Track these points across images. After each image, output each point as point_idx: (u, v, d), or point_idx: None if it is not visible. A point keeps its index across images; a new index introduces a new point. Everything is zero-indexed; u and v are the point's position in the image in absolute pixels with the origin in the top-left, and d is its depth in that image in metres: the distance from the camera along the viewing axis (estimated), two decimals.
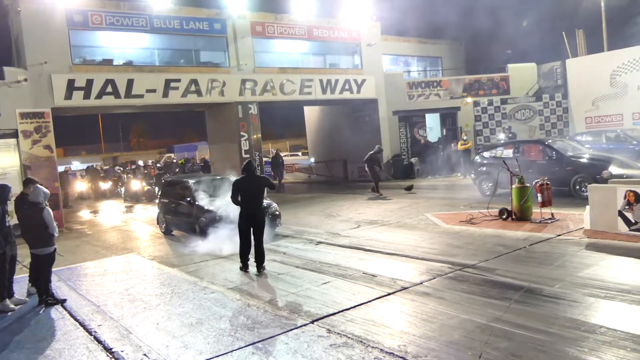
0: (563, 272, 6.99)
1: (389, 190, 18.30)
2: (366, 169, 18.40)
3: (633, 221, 8.43)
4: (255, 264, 8.45)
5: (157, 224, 13.80)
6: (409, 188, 17.86)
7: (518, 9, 24.56)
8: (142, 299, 7.37)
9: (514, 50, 26.12)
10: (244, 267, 8.55)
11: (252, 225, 8.47)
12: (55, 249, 7.60)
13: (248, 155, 20.55)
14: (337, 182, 25.31)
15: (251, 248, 8.52)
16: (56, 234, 7.56)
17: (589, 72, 21.68)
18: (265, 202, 10.28)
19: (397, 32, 26.73)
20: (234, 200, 8.59)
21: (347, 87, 23.05)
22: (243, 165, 8.81)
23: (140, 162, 32.76)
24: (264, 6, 22.03)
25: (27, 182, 7.74)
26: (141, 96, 18.43)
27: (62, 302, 7.47)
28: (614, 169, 12.24)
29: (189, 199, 11.77)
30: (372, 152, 18.29)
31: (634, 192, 8.43)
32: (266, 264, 8.58)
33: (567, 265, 7.34)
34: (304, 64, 23.03)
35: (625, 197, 8.52)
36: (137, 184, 23.85)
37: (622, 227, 8.56)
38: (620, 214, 8.57)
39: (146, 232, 14.42)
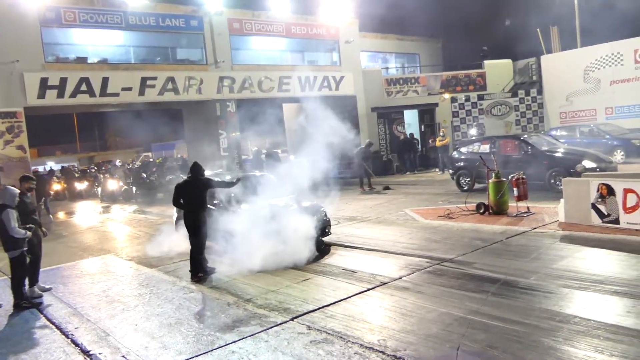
0: (538, 264, 7.11)
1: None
2: (363, 164, 17.54)
3: (606, 213, 8.61)
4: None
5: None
6: (386, 188, 17.78)
7: (494, 6, 24.87)
8: (121, 300, 7.28)
9: (490, 47, 26.42)
10: (194, 275, 8.08)
11: (195, 229, 8.14)
12: (22, 252, 7.23)
13: (227, 154, 20.45)
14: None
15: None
16: (17, 236, 7.11)
17: (563, 68, 22.09)
18: (314, 206, 9.53)
19: (375, 29, 26.84)
20: (176, 204, 8.30)
21: (325, 84, 23.08)
22: (190, 167, 8.44)
23: (118, 162, 32.28)
24: (242, 3, 21.95)
25: None
26: (117, 94, 18.19)
27: (37, 305, 7.33)
28: (587, 163, 12.48)
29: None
30: (362, 146, 17.79)
31: (607, 185, 8.61)
32: (246, 262, 8.53)
33: (542, 258, 7.47)
34: (282, 61, 23.00)
35: (598, 190, 8.69)
36: (114, 184, 23.52)
37: (596, 220, 8.74)
38: (594, 206, 8.75)
39: (124, 232, 14.23)
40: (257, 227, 8.43)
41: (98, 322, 6.41)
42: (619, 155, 16.75)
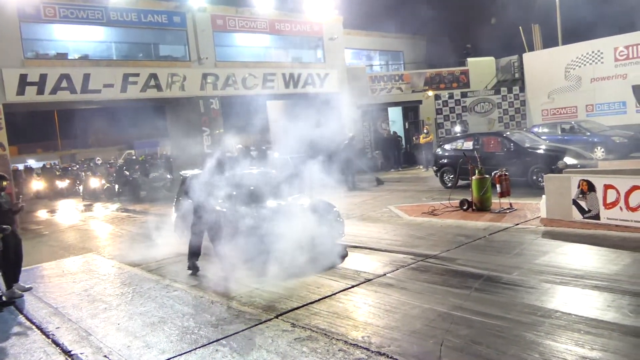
0: (521, 260, 7.19)
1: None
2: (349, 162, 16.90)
3: (586, 209, 8.72)
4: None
5: None
6: (380, 182, 17.75)
7: (477, 4, 25.05)
8: (102, 300, 7.20)
9: (473, 45, 26.63)
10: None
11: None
12: None
13: (210, 151, 20.28)
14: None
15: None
16: None
17: (545, 65, 22.33)
18: (324, 203, 9.17)
19: (360, 26, 26.86)
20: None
21: (310, 81, 23.03)
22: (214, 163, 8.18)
23: (99, 159, 31.86)
24: None
25: None
26: (98, 91, 17.94)
27: (12, 303, 7.21)
28: (568, 160, 12.65)
29: None
30: (345, 141, 17.11)
31: (587, 181, 8.72)
32: (230, 259, 8.48)
33: (524, 253, 7.55)
34: (266, 58, 22.89)
35: (579, 186, 8.81)
36: (96, 182, 23.24)
37: (577, 215, 8.85)
38: (575, 202, 8.86)
39: (106, 230, 14.08)
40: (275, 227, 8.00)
41: (79, 321, 6.32)
42: (599, 152, 17.00)
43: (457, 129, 22.23)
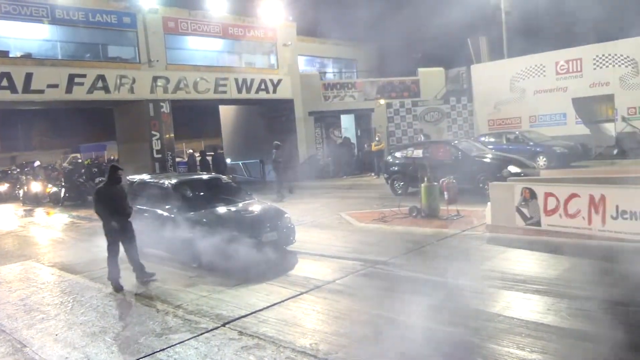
0: (467, 266, 7.35)
1: (305, 191, 18.39)
2: (278, 168, 17.09)
3: (528, 216, 9.05)
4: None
5: None
6: (291, 190, 17.56)
7: (427, 16, 25.65)
8: (40, 309, 6.86)
9: (423, 55, 27.20)
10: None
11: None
12: None
13: (160, 156, 19.85)
14: (254, 182, 25.06)
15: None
16: None
17: (491, 77, 23.09)
18: (275, 209, 9.29)
19: (314, 33, 26.98)
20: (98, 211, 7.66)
21: (263, 86, 22.91)
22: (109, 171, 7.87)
23: (37, 163, 30.43)
24: (178, 1, 21.42)
25: None
26: (42, 91, 17.24)
27: None
28: (512, 168, 13.07)
29: None
30: (274, 150, 17.17)
31: (529, 189, 9.06)
32: (178, 268, 8.30)
33: (470, 259, 7.74)
34: (219, 62, 22.62)
35: (521, 194, 9.13)
36: (37, 186, 22.22)
37: (519, 222, 9.16)
38: (518, 209, 9.17)
39: (47, 237, 13.47)
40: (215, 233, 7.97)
41: (14, 332, 6.00)
42: (541, 161, 17.67)
43: (422, 138, 22.53)
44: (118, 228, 7.50)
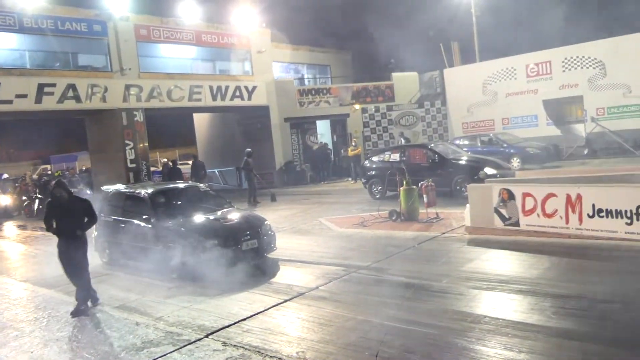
0: (449, 268, 7.38)
1: (285, 197, 18.29)
2: (246, 176, 17.05)
3: (507, 217, 9.13)
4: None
5: None
6: (273, 200, 17.48)
7: (400, 21, 25.89)
8: (13, 326, 6.61)
9: (397, 60, 27.43)
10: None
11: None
12: None
13: (134, 165, 19.49)
14: (230, 190, 24.85)
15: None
16: None
17: (464, 81, 23.41)
18: (255, 217, 9.17)
19: (287, 40, 26.95)
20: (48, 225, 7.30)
21: (237, 93, 22.76)
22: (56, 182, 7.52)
23: (5, 175, 29.60)
24: (150, 9, 21.15)
25: None
26: (9, 102, 16.80)
27: None
28: (488, 170, 13.21)
29: None
30: (245, 157, 17.18)
31: (508, 190, 9.15)
32: (156, 279, 8.10)
33: (452, 261, 7.76)
34: (192, 70, 22.40)
35: (499, 195, 9.21)
36: (6, 199, 21.60)
37: (498, 223, 9.24)
38: (496, 210, 9.25)
39: (18, 251, 13.07)
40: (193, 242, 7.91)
41: None
42: (515, 162, 17.95)
43: (403, 142, 22.65)
44: (64, 249, 7.08)
